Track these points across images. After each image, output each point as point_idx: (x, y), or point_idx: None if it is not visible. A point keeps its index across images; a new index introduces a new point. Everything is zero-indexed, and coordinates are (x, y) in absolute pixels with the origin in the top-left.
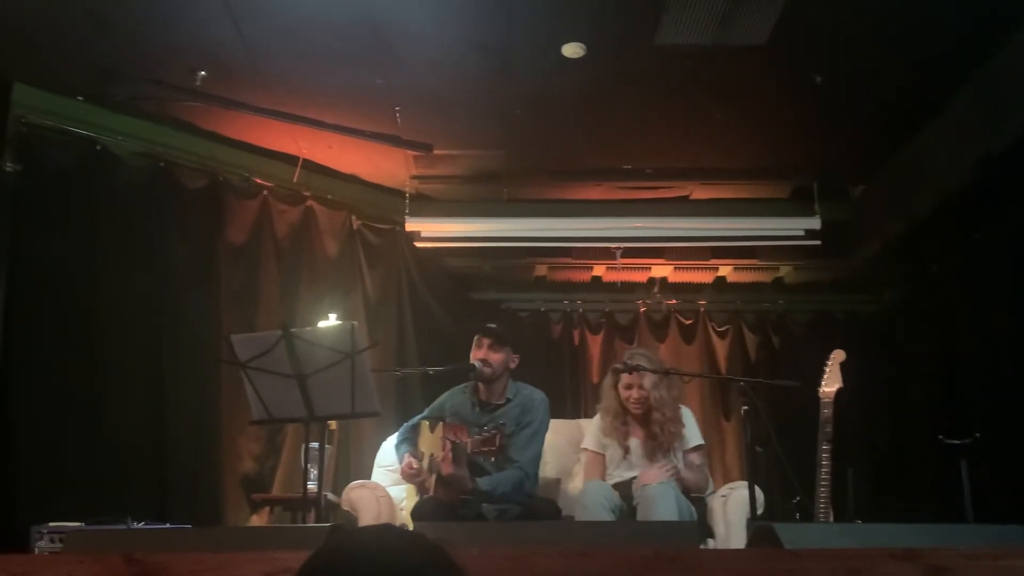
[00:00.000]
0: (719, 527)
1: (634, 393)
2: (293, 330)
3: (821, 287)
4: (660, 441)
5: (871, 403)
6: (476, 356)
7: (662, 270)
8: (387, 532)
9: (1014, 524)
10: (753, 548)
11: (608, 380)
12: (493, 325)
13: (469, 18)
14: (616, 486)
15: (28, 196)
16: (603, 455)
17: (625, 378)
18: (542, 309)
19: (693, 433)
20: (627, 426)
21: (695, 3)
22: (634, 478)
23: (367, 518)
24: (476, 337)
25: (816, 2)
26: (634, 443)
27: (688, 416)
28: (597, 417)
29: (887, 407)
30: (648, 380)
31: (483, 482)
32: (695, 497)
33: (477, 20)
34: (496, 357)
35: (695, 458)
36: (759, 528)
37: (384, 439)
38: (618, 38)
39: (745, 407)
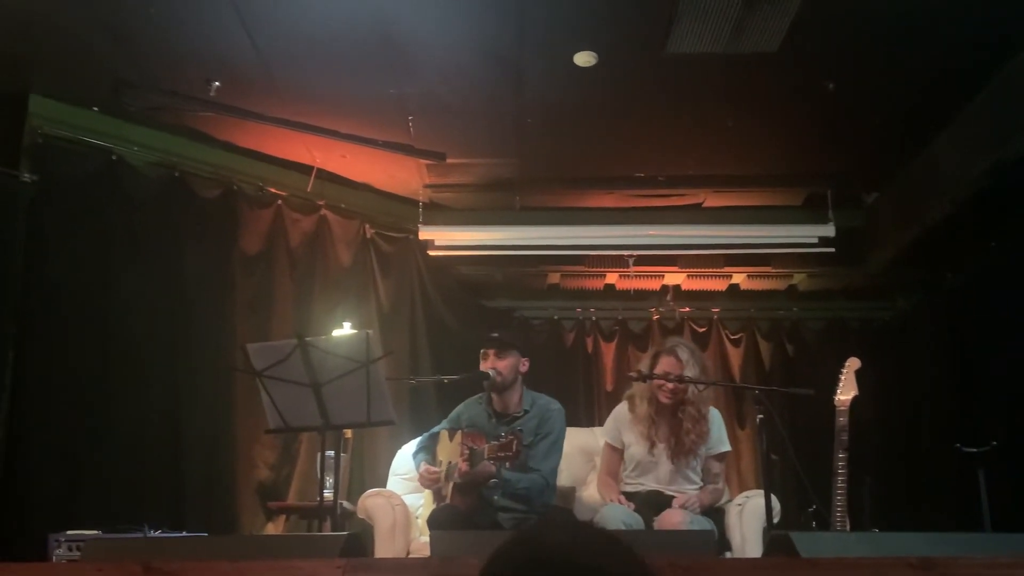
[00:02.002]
0: (735, 536)
1: (668, 383)
2: (308, 339)
3: (835, 294)
4: (685, 443)
5: (887, 411)
6: (484, 367)
7: (675, 278)
8: (586, 529)
9: None
10: (769, 557)
11: (644, 367)
12: (495, 334)
13: (481, 27)
14: (632, 496)
15: (44, 206)
16: (621, 451)
17: (663, 365)
18: (555, 317)
19: (719, 438)
20: (660, 416)
21: (707, 12)
22: (651, 491)
23: (383, 526)
24: (481, 350)
25: (828, 10)
26: (659, 446)
27: (716, 419)
28: (619, 408)
29: (903, 415)
30: (688, 372)
31: (507, 473)
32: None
33: (489, 29)
34: (503, 364)
35: (715, 466)
36: (775, 537)
37: (399, 447)
38: (630, 47)
39: (760, 415)
